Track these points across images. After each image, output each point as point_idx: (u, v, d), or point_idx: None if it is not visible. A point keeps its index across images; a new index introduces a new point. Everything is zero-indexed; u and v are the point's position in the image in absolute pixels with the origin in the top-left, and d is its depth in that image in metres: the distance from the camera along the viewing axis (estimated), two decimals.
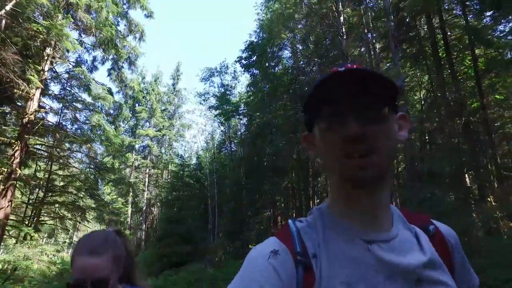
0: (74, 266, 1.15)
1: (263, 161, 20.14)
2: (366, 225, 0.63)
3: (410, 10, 11.30)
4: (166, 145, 35.07)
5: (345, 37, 11.56)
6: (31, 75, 9.63)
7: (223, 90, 24.10)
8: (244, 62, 17.69)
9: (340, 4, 11.89)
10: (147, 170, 33.10)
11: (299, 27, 15.27)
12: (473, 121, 13.44)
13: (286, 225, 0.69)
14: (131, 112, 31.65)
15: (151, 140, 33.39)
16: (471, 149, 11.75)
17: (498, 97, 13.61)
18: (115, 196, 30.85)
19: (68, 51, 12.41)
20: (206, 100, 24.57)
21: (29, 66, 9.49)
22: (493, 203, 11.08)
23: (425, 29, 13.75)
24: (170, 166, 33.15)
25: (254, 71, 19.40)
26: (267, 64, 18.19)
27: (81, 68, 12.69)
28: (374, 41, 12.21)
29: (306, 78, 14.54)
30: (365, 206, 0.64)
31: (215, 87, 24.76)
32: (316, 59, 13.93)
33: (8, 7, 8.43)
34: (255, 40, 19.59)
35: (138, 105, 32.05)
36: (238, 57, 18.10)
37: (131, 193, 30.12)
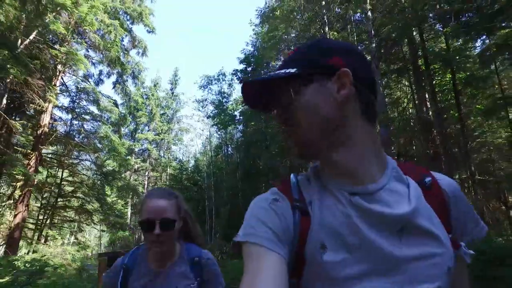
0: (144, 208, 1.34)
1: (259, 166, 21.20)
2: (349, 178, 0.68)
3: (390, 35, 12.49)
4: (165, 149, 36.09)
5: None
6: (50, 95, 10.72)
7: (220, 98, 25.33)
8: (240, 75, 18.85)
9: (327, 27, 13.08)
10: (146, 173, 34.07)
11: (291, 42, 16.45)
12: (451, 132, 14.69)
13: (287, 177, 0.76)
14: (131, 116, 32.60)
15: (150, 143, 34.35)
16: (446, 158, 12.94)
17: (479, 106, 14.62)
18: (115, 198, 31.74)
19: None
20: (204, 107, 25.81)
21: (49, 88, 10.60)
22: None
23: (407, 44, 14.90)
24: (168, 169, 34.20)
25: None
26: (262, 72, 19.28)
27: (90, 82, 13.74)
28: None
29: None
30: (333, 166, 0.70)
31: (213, 94, 26.01)
32: None
33: (31, 36, 9.54)
34: (252, 50, 20.87)
35: (138, 110, 33.00)
36: (234, 70, 19.29)
37: (131, 196, 31.02)
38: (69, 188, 14.77)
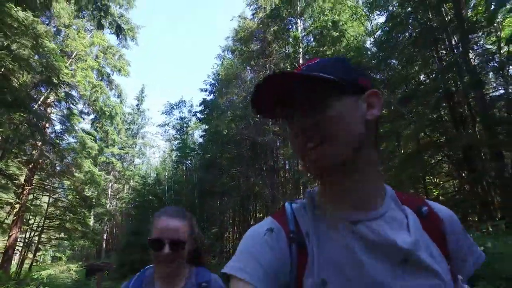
0: (155, 226, 1.31)
1: (214, 190, 24.53)
2: (351, 205, 0.65)
3: None
4: (128, 162, 38.44)
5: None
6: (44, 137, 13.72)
7: (181, 123, 28.92)
8: (199, 115, 22.43)
9: None
10: (110, 185, 36.18)
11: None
12: None
13: (282, 206, 0.73)
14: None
15: (114, 156, 36.46)
16: None
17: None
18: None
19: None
20: (167, 132, 29.15)
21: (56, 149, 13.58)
22: None
23: None
24: (131, 182, 36.56)
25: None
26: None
27: (78, 128, 16.62)
28: None
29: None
30: (341, 191, 0.66)
31: (176, 119, 29.47)
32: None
33: (41, 100, 12.53)
34: (213, 81, 24.68)
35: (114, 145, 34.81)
36: (193, 112, 22.96)
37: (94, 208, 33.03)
38: (51, 209, 17.47)
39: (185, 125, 28.92)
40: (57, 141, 14.35)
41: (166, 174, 33.52)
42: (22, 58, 8.65)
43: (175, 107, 29.10)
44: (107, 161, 35.73)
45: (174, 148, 27.15)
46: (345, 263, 0.60)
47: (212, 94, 24.98)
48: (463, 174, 11.09)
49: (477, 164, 10.07)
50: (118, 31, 12.53)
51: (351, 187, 0.65)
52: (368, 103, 0.66)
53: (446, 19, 12.00)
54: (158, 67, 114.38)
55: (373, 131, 0.67)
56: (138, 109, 40.02)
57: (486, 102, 10.03)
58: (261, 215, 25.30)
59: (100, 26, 12.17)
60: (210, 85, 25.08)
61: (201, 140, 28.05)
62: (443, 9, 11.87)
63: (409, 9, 12.34)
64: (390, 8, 13.67)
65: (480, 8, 10.59)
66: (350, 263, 0.60)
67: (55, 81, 10.59)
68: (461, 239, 0.71)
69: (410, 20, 12.53)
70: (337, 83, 0.62)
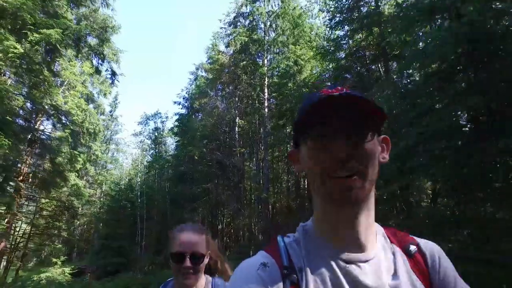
0: (176, 241, 1.47)
1: (185, 198, 26.66)
2: (347, 244, 0.66)
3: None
4: (101, 167, 39.45)
5: (238, 139, 19.48)
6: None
7: (156, 134, 30.95)
8: (175, 130, 24.72)
9: (238, 118, 19.79)
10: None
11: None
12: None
13: (274, 240, 0.74)
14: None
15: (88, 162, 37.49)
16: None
17: None
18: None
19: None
20: (142, 142, 31.09)
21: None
22: None
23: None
24: (104, 186, 37.68)
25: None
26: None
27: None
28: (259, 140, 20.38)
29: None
30: (347, 227, 0.66)
31: (151, 129, 31.50)
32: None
33: (37, 125, 14.35)
34: (186, 96, 27.12)
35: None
36: (170, 128, 25.20)
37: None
38: (37, 216, 19.02)
39: (159, 135, 31.01)
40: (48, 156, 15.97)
41: (138, 179, 34.95)
42: (40, 103, 10.52)
43: (150, 118, 31.20)
44: (80, 166, 36.57)
45: (149, 158, 29.03)
46: None
47: (185, 109, 27.34)
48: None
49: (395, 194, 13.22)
50: (112, 75, 14.50)
51: (356, 225, 0.66)
52: (381, 147, 0.70)
53: (382, 71, 15.15)
54: (132, 73, 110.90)
55: (379, 173, 0.67)
56: (111, 115, 41.05)
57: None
58: (229, 219, 27.66)
59: (97, 72, 14.10)
60: (183, 98, 27.53)
61: (174, 147, 30.17)
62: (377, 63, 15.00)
63: (350, 61, 15.36)
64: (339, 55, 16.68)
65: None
66: None
67: (67, 123, 12.51)
68: (446, 271, 0.71)
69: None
70: (383, 119, 0.64)
